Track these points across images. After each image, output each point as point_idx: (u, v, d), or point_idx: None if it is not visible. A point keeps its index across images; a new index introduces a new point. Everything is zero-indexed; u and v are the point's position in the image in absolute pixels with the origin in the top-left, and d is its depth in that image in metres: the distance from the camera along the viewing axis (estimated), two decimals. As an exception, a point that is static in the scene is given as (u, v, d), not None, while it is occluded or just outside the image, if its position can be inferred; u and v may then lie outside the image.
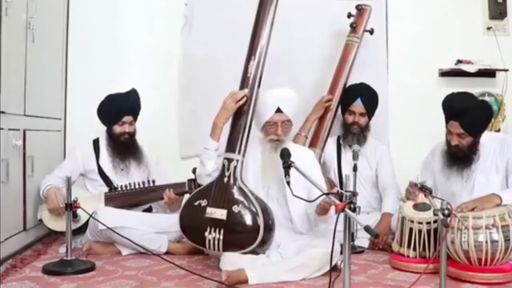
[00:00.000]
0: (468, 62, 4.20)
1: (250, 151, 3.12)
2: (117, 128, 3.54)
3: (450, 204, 2.55)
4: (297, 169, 2.49)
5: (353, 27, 3.89)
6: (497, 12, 4.31)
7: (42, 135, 3.62)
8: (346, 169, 3.61)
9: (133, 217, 3.34)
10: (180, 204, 3.37)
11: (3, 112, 2.96)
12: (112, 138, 3.56)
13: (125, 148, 3.57)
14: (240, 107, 3.05)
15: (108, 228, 3.15)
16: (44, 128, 3.66)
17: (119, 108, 3.51)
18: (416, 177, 3.31)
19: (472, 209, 2.82)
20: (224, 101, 3.05)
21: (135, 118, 3.60)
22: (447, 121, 3.11)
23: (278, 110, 3.02)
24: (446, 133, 3.14)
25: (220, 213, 2.90)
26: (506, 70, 4.21)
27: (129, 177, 3.57)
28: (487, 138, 3.15)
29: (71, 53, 4.10)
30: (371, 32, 3.92)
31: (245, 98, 3.05)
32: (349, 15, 3.90)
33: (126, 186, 3.46)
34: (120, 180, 3.53)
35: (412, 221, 3.00)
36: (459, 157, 3.11)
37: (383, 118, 4.11)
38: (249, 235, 2.86)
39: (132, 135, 3.58)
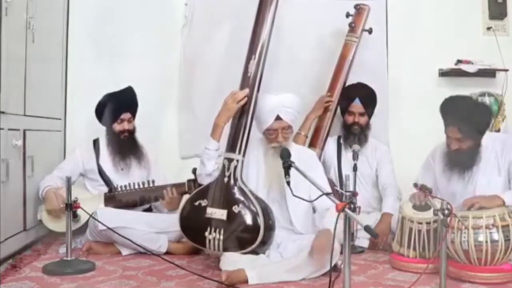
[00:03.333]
0: (468, 62, 4.19)
1: (251, 151, 3.12)
2: (117, 127, 3.54)
3: (451, 204, 2.54)
4: (297, 169, 2.50)
5: (352, 27, 3.88)
6: (497, 12, 4.31)
7: (42, 135, 3.61)
8: (346, 169, 3.61)
9: (133, 217, 3.34)
10: (178, 204, 3.38)
11: (3, 112, 2.96)
12: (112, 137, 3.56)
13: (125, 147, 3.57)
14: (241, 107, 3.04)
15: (108, 228, 3.15)
16: (44, 128, 3.65)
17: (116, 106, 3.52)
18: (416, 179, 3.27)
19: (472, 205, 2.81)
20: (225, 101, 3.05)
21: (134, 115, 3.60)
22: (445, 125, 3.03)
23: (278, 118, 2.99)
24: (446, 137, 3.06)
25: (220, 213, 2.90)
26: (506, 70, 4.20)
27: (129, 176, 3.57)
28: (489, 139, 3.07)
29: (71, 53, 4.10)
30: (370, 31, 3.91)
31: (246, 98, 3.04)
32: (348, 15, 3.89)
33: (126, 186, 3.46)
34: (120, 180, 3.53)
35: (411, 221, 3.00)
36: (460, 160, 3.04)
37: (383, 118, 4.10)
38: (249, 235, 2.86)
39: (131, 132, 3.58)
